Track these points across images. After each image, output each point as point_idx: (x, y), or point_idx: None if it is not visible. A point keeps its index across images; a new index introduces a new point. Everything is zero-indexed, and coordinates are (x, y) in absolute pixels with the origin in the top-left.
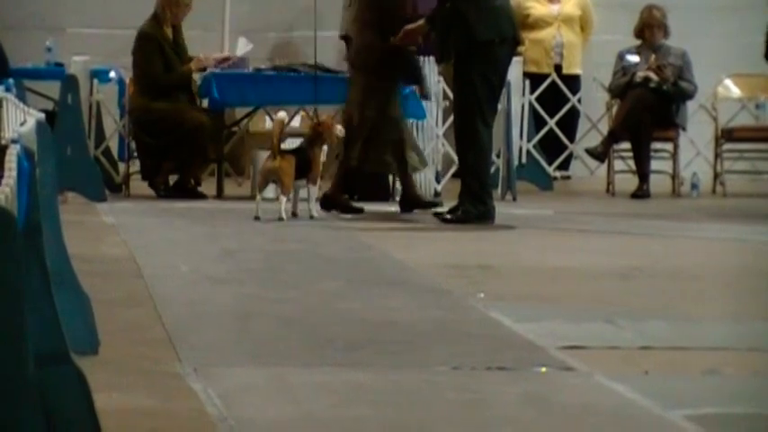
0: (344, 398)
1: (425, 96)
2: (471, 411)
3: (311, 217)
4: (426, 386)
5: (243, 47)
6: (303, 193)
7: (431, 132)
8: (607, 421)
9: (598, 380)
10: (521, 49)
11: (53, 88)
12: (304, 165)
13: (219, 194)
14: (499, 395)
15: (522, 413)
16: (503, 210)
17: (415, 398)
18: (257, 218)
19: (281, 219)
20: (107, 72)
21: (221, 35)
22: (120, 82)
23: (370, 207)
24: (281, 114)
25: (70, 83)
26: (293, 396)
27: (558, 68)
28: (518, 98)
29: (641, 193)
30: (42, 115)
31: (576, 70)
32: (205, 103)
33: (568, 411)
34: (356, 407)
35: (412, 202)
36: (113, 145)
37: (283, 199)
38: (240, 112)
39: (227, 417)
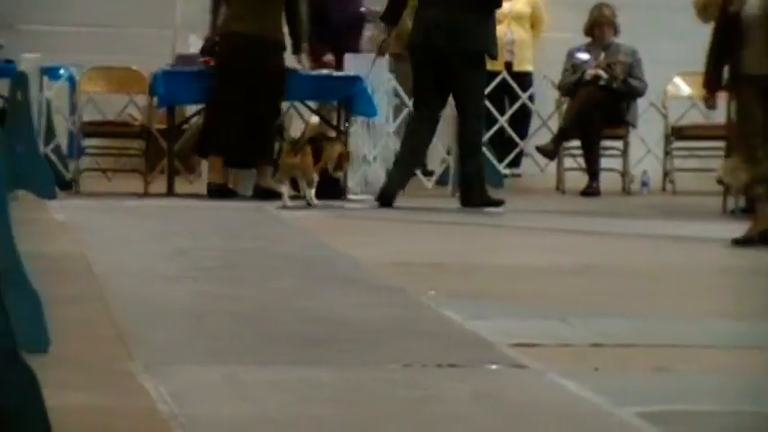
0: (298, 396)
1: None
2: (423, 408)
3: (308, 204)
4: (379, 384)
5: (193, 44)
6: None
7: (381, 130)
8: (558, 418)
9: (549, 377)
10: None
11: (2, 86)
12: (314, 155)
13: (170, 192)
14: (451, 392)
15: (473, 410)
16: (452, 208)
17: (368, 395)
18: (285, 207)
19: (310, 205)
20: (57, 69)
21: (173, 33)
22: (71, 79)
23: (322, 205)
24: (315, 119)
25: (20, 80)
26: (247, 394)
27: (508, 66)
28: None
29: (591, 191)
30: None
31: (527, 68)
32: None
33: (519, 409)
34: (309, 405)
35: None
36: (63, 142)
37: (311, 191)
38: (191, 109)
39: (178, 415)
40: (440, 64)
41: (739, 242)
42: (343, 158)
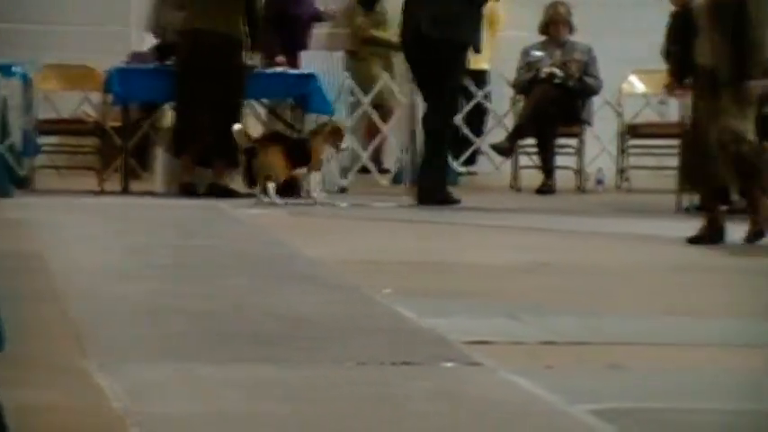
0: (253, 393)
1: None
2: (379, 406)
3: (315, 203)
4: (334, 381)
5: (149, 42)
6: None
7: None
8: (512, 416)
9: (503, 375)
10: None
11: None
12: (305, 154)
13: (125, 190)
14: (406, 390)
15: (428, 408)
16: (407, 206)
17: (323, 393)
18: (275, 203)
19: (274, 204)
20: (12, 67)
21: (128, 30)
22: (25, 77)
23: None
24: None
25: None
26: (202, 391)
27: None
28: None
29: (546, 189)
30: None
31: (483, 66)
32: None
33: (474, 406)
34: (265, 402)
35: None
36: (18, 140)
37: (270, 185)
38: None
39: (133, 412)
40: (431, 55)
41: (693, 241)
42: (337, 138)
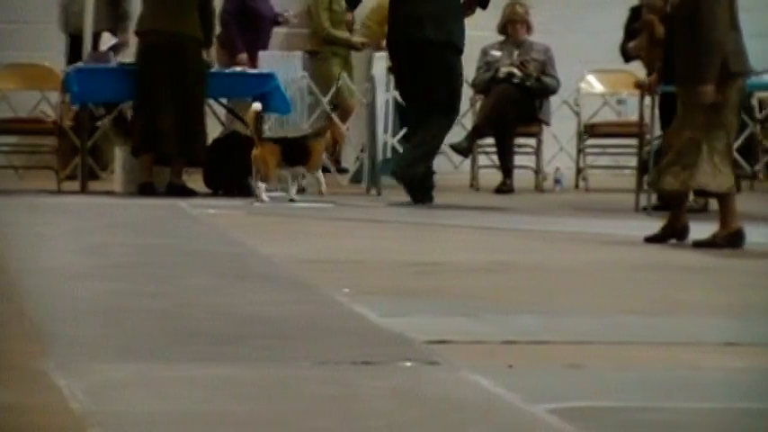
0: (212, 392)
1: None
2: (338, 405)
3: (321, 193)
4: (293, 381)
5: (107, 41)
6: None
7: (295, 127)
8: (472, 415)
9: (463, 374)
10: (383, 43)
11: None
12: (304, 153)
13: (84, 190)
14: (365, 389)
15: (388, 407)
16: (366, 205)
17: (283, 392)
18: (262, 200)
19: (262, 201)
20: None
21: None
22: None
23: (235, 202)
24: (256, 105)
25: None
26: (160, 391)
27: None
28: (383, 93)
29: (505, 188)
30: None
31: None
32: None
33: (434, 405)
34: (224, 401)
35: None
36: None
37: (262, 185)
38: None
39: (92, 412)
40: (422, 56)
41: (652, 240)
42: (338, 137)
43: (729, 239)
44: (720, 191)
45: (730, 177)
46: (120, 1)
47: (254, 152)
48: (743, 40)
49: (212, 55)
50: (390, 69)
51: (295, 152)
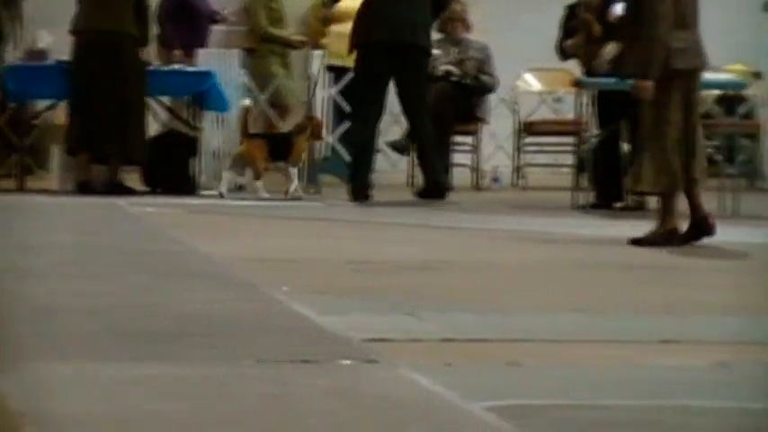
0: (150, 392)
1: None
2: (277, 404)
3: (295, 198)
4: (232, 379)
5: (44, 39)
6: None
7: (233, 125)
8: (410, 413)
9: (402, 372)
10: (324, 41)
11: None
12: (286, 148)
13: (21, 188)
14: (304, 388)
15: (327, 405)
16: (306, 203)
17: (221, 391)
18: (221, 194)
19: (261, 198)
20: None
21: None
22: None
23: (174, 201)
24: (245, 101)
25: None
26: (99, 390)
27: None
28: (320, 91)
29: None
30: None
31: None
32: None
33: (372, 404)
34: (163, 400)
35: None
36: None
37: (258, 183)
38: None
39: (30, 412)
40: (410, 60)
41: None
42: (316, 128)
43: (666, 237)
44: (654, 190)
45: (672, 176)
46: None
47: (241, 148)
48: (696, 37)
49: (150, 53)
50: (358, 69)
51: (280, 148)
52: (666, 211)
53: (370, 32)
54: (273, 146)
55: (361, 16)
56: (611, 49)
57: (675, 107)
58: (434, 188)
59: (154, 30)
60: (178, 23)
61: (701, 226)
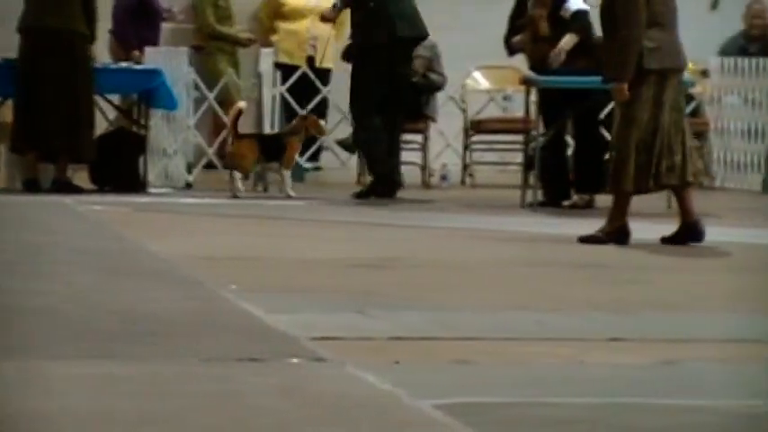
0: (98, 390)
1: None
2: (225, 402)
3: (288, 197)
4: (179, 378)
5: None
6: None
7: (181, 123)
8: (358, 411)
9: (350, 370)
10: (274, 39)
11: None
12: (278, 149)
13: None
14: (252, 386)
15: (274, 404)
16: (255, 201)
17: (168, 389)
18: (236, 196)
19: (235, 197)
20: None
21: None
22: None
23: (122, 199)
24: (241, 104)
25: None
26: (45, 389)
27: (311, 61)
28: (269, 89)
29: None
30: None
31: (329, 63)
32: None
33: (321, 402)
34: (111, 399)
35: None
36: None
37: (237, 177)
38: None
39: None
40: (406, 55)
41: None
42: (313, 127)
43: (614, 235)
44: (607, 188)
45: (626, 176)
46: None
47: (231, 148)
48: (672, 37)
49: (103, 49)
50: (370, 68)
51: (272, 148)
52: (617, 210)
53: (376, 32)
54: (264, 146)
55: (366, 15)
56: (568, 40)
57: (642, 107)
58: (389, 186)
59: (105, 26)
60: (138, 22)
61: (690, 230)
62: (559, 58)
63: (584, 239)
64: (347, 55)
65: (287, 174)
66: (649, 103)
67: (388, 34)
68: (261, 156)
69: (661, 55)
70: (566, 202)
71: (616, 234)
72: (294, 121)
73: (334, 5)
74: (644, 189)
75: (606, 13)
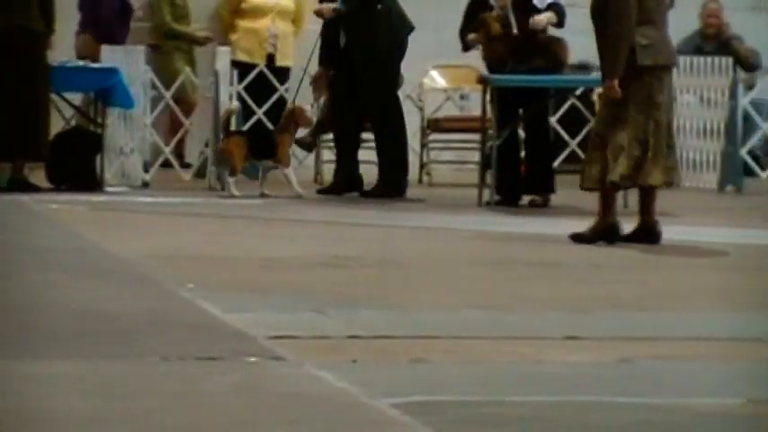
0: (56, 389)
1: None
2: (183, 401)
3: (299, 196)
4: (137, 377)
5: None
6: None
7: (139, 122)
8: (314, 409)
9: (307, 369)
10: (234, 37)
11: None
12: (270, 147)
13: None
14: (210, 385)
15: (233, 402)
16: (211, 200)
17: (127, 388)
18: (233, 195)
19: (233, 196)
20: None
21: None
22: None
23: (79, 198)
24: (234, 104)
25: None
26: (2, 388)
27: (271, 59)
28: (226, 87)
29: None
30: None
31: (288, 62)
32: None
33: (278, 400)
34: (68, 398)
35: None
36: None
37: (231, 179)
38: None
39: None
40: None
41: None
42: (302, 119)
43: (603, 234)
44: (597, 186)
45: (614, 173)
46: None
47: (221, 145)
48: (663, 34)
49: (63, 49)
50: (386, 68)
51: (262, 145)
52: (605, 208)
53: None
54: (254, 143)
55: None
56: (551, 16)
57: (636, 107)
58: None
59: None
60: (123, 22)
61: (650, 232)
62: (541, 24)
63: (575, 238)
64: (328, 58)
65: (289, 172)
66: (645, 104)
67: (395, 36)
68: (249, 153)
69: (654, 52)
70: (524, 200)
71: (603, 232)
72: (283, 118)
73: (335, 9)
74: (629, 186)
75: (597, 11)
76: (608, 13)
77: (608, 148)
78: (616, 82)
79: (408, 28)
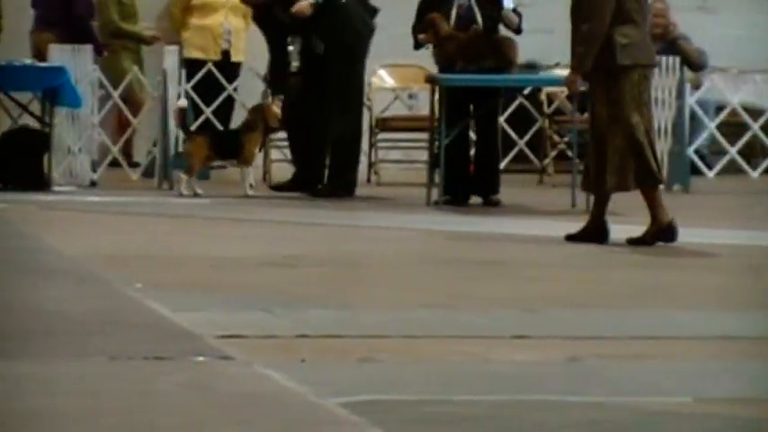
0: (1, 389)
1: None
2: (131, 401)
3: (247, 195)
4: (84, 377)
5: None
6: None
7: (86, 121)
8: (263, 409)
9: (256, 368)
10: (186, 35)
11: None
12: (235, 147)
13: None
14: (158, 385)
15: (181, 402)
16: (160, 199)
17: (73, 389)
18: (181, 194)
19: (181, 195)
20: None
21: None
22: None
23: (26, 197)
24: (181, 102)
25: None
26: None
27: (226, 55)
28: (174, 86)
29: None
30: None
31: (240, 57)
32: None
33: (227, 400)
34: (13, 398)
35: None
36: None
37: (183, 177)
38: None
39: None
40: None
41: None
42: (269, 114)
43: (594, 235)
44: (601, 190)
45: (610, 176)
46: None
47: (185, 145)
48: (643, 34)
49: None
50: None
51: (226, 145)
52: (598, 209)
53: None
54: (217, 143)
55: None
56: (513, 16)
57: (629, 106)
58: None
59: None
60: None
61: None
62: (514, 23)
63: (570, 238)
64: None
65: (246, 171)
66: (635, 103)
67: (359, 31)
68: (213, 153)
69: (634, 51)
70: (474, 200)
71: (594, 233)
72: (248, 115)
73: (312, 4)
74: (624, 188)
75: (576, 7)
76: (583, 10)
77: (608, 149)
78: (579, 77)
79: (371, 10)
